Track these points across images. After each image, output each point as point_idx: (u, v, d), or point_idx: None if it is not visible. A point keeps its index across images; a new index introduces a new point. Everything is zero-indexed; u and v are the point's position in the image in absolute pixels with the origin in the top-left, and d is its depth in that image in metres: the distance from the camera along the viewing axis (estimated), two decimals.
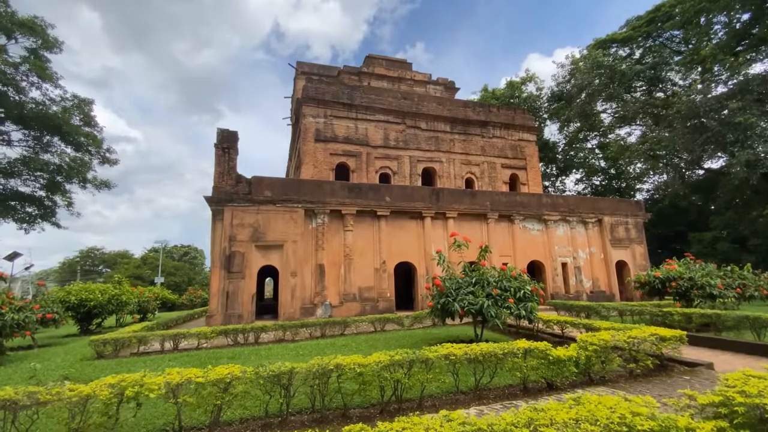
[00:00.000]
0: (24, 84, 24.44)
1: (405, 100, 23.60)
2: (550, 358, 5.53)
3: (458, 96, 31.01)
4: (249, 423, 4.83)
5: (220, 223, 14.68)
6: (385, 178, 22.51)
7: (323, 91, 21.63)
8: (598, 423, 2.69)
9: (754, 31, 25.64)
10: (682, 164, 32.63)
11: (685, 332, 6.69)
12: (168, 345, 10.37)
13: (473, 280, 8.21)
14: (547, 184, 43.12)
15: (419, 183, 22.69)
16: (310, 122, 21.00)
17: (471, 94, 50.70)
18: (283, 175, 37.17)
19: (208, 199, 14.50)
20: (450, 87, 30.15)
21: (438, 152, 23.56)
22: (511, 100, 40.82)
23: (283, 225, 15.30)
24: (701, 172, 32.84)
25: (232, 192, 14.72)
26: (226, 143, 14.85)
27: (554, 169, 43.85)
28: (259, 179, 15.43)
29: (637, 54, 35.31)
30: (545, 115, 41.88)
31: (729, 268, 11.81)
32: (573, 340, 7.47)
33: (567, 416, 2.80)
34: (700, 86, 27.41)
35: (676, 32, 32.59)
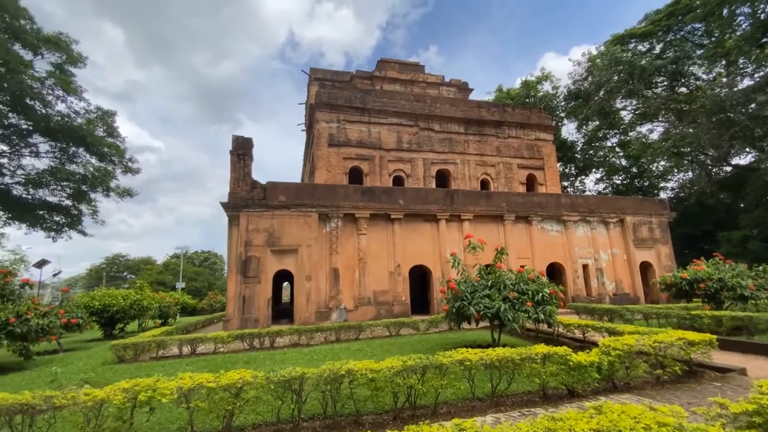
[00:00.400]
0: (50, 98, 25.44)
1: (418, 102, 23.51)
2: (571, 363, 5.30)
3: (472, 97, 30.70)
4: (261, 428, 4.80)
5: (236, 228, 14.87)
6: (398, 181, 22.42)
7: (336, 96, 21.76)
8: None
9: None
10: (708, 161, 31.40)
11: (715, 336, 6.34)
12: (186, 349, 10.51)
13: (489, 283, 8.01)
14: (566, 184, 42.19)
15: (433, 185, 22.50)
16: (323, 127, 21.13)
17: (485, 94, 50.27)
18: (299, 181, 37.56)
19: (224, 204, 14.72)
20: (463, 88, 29.90)
21: (452, 154, 23.34)
22: (527, 100, 40.20)
23: (297, 229, 15.38)
24: (728, 168, 31.52)
25: (247, 198, 14.91)
26: (241, 150, 15.07)
27: (573, 168, 42.89)
28: (273, 185, 15.58)
29: (657, 49, 34.26)
30: (562, 114, 41.06)
31: (761, 268, 11.21)
32: (595, 344, 7.18)
33: (587, 426, 2.64)
34: (725, 80, 26.40)
35: (698, 25, 31.48)
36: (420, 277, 19.75)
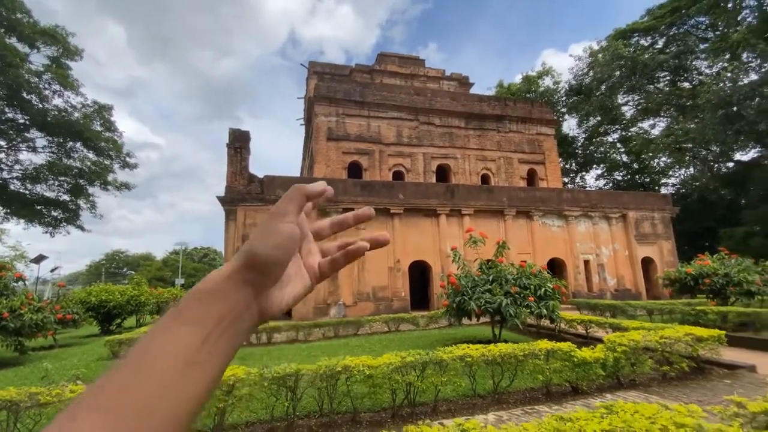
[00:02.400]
0: (47, 92, 25.17)
1: (418, 96, 23.23)
2: (575, 359, 5.13)
3: (473, 91, 30.36)
4: (255, 427, 4.65)
5: (233, 222, 14.66)
6: (398, 175, 22.19)
7: (335, 89, 21.48)
8: None
9: None
10: (711, 156, 31.12)
11: (723, 332, 6.16)
12: None
13: (490, 278, 7.83)
14: (566, 180, 41.92)
15: (433, 180, 22.26)
16: (322, 121, 20.88)
17: (486, 90, 49.88)
18: (298, 175, 37.31)
19: (220, 199, 14.51)
20: (464, 82, 29.61)
21: (452, 148, 23.09)
22: (528, 95, 39.85)
23: None
24: (731, 164, 31.24)
25: (244, 192, 14.70)
26: (238, 143, 14.84)
27: (574, 164, 42.62)
28: (271, 178, 15.36)
29: (660, 43, 33.86)
30: (563, 110, 40.72)
31: (767, 262, 11.02)
32: (599, 340, 7.00)
33: (599, 427, 2.45)
34: (729, 74, 26.06)
35: (702, 18, 31.08)
36: (420, 273, 19.57)
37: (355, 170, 21.67)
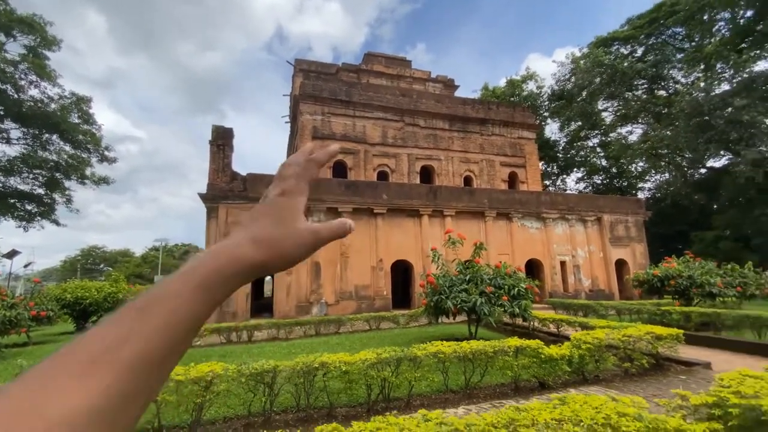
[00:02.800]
0: (23, 82, 24.39)
1: (403, 97, 23.45)
2: (542, 356, 5.40)
3: (458, 94, 30.78)
4: (232, 422, 4.74)
5: (214, 220, 14.57)
6: (383, 175, 22.36)
7: (321, 88, 21.50)
8: (582, 424, 2.57)
9: (758, 28, 25.28)
10: (685, 163, 32.34)
11: (681, 331, 6.55)
12: None
13: (467, 278, 8.08)
14: (548, 183, 42.87)
15: (417, 181, 22.54)
16: (307, 119, 20.87)
17: (471, 92, 50.57)
18: None
19: (202, 196, 14.41)
20: (449, 84, 29.97)
21: (437, 150, 23.40)
22: (512, 99, 40.56)
23: None
24: (703, 170, 32.54)
25: (227, 189, 14.63)
26: (221, 140, 14.76)
27: (555, 167, 43.62)
28: (254, 176, 15.32)
29: (639, 52, 35.03)
30: (546, 114, 41.63)
31: (729, 266, 11.63)
32: (568, 338, 7.33)
33: (550, 416, 2.67)
34: (703, 84, 27.14)
35: (679, 29, 32.27)
36: (402, 272, 19.81)
37: (339, 169, 21.75)
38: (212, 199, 14.47)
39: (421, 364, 5.04)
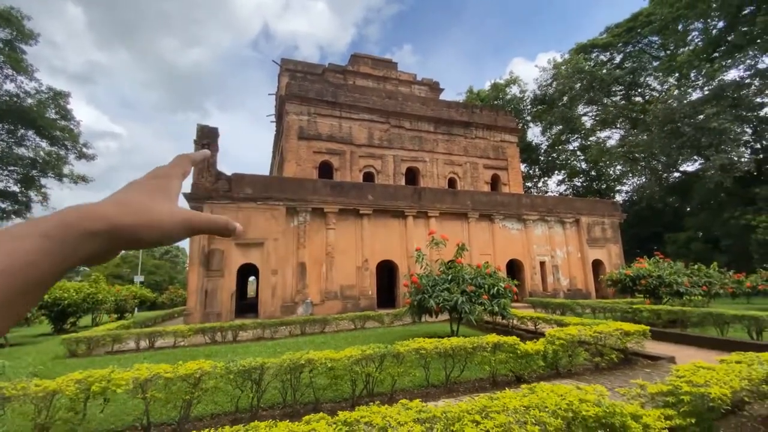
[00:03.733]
0: None
1: (390, 99, 23.70)
2: (519, 352, 5.70)
3: (443, 97, 31.29)
4: (220, 418, 4.86)
5: None
6: (369, 176, 22.56)
7: (307, 88, 21.55)
8: (547, 409, 2.83)
9: (729, 38, 26.46)
10: (659, 167, 33.59)
11: (648, 327, 6.97)
12: (143, 343, 10.24)
13: (449, 277, 8.36)
14: (529, 185, 43.85)
15: (403, 182, 22.82)
16: (293, 120, 20.89)
17: (456, 95, 51.22)
18: (268, 173, 36.84)
19: (186, 196, 14.31)
20: (434, 87, 30.38)
21: (422, 152, 23.74)
22: (496, 102, 41.36)
23: (264, 223, 15.21)
24: (677, 174, 33.85)
25: (211, 189, 14.57)
26: (206, 139, 14.69)
27: (537, 170, 44.64)
28: (239, 176, 15.30)
29: (618, 59, 36.22)
30: (528, 118, 42.59)
31: (696, 266, 12.28)
32: (545, 335, 7.70)
33: (519, 403, 2.93)
34: (676, 92, 28.27)
35: (655, 38, 33.48)
36: (387, 272, 20.05)
37: (326, 170, 21.83)
38: (197, 199, 14.39)
39: (403, 360, 5.26)
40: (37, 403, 4.13)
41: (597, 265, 21.60)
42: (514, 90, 42.99)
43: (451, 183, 24.51)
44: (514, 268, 20.27)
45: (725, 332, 8.73)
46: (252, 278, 31.56)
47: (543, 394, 3.11)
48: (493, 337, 5.74)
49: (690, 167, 32.37)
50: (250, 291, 37.00)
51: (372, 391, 5.19)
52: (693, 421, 3.27)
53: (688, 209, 34.82)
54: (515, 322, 10.25)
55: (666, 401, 3.47)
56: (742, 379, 3.66)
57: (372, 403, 5.16)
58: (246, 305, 20.64)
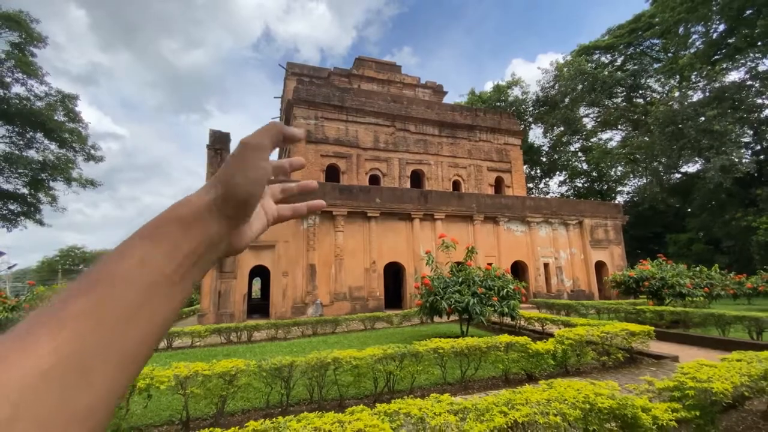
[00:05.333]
0: (8, 79, 24.00)
1: (394, 103, 24.03)
2: (530, 351, 6.00)
3: (446, 98, 31.65)
4: (251, 413, 5.16)
5: None
6: (374, 179, 22.89)
7: (314, 93, 21.89)
8: (566, 401, 3.15)
9: (730, 41, 26.68)
10: (661, 168, 33.83)
11: (653, 328, 7.27)
12: (162, 344, 10.55)
13: (460, 280, 8.67)
14: (531, 185, 44.12)
15: (408, 185, 23.15)
16: (300, 124, 21.23)
17: (458, 96, 51.45)
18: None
19: None
20: (438, 90, 30.70)
21: (426, 155, 24.06)
22: (498, 104, 41.64)
23: (275, 226, 15.49)
24: (678, 175, 34.07)
25: None
26: (218, 144, 15.03)
27: (539, 171, 44.90)
28: None
29: (619, 61, 36.49)
30: (530, 119, 42.85)
31: (698, 268, 12.59)
32: (552, 335, 7.99)
33: (540, 397, 3.25)
34: (677, 94, 28.51)
35: (656, 41, 33.70)
36: (394, 274, 20.36)
37: (332, 173, 22.16)
38: None
39: (422, 359, 5.57)
40: None
41: (600, 266, 21.90)
42: (516, 92, 43.30)
43: (456, 185, 24.83)
44: (518, 269, 20.58)
45: (726, 332, 9.01)
46: (255, 279, 31.85)
47: (561, 389, 3.42)
48: (505, 337, 6.05)
49: (691, 168, 32.62)
50: (254, 291, 37.28)
51: (393, 388, 5.50)
52: (697, 413, 3.59)
53: (690, 210, 34.98)
54: (522, 322, 10.56)
55: (672, 396, 3.77)
56: (742, 375, 3.96)
57: (393, 400, 5.50)
58: (251, 306, 20.90)
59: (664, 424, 3.22)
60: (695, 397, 3.65)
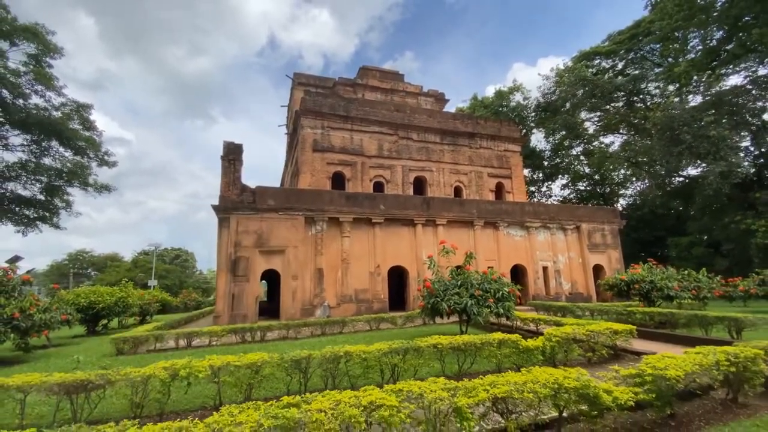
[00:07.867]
0: (27, 90, 25.04)
1: (398, 112, 24.85)
2: (521, 347, 6.70)
3: (449, 103, 32.50)
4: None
5: (226, 229, 15.68)
6: (378, 186, 23.68)
7: (321, 103, 22.76)
8: (539, 382, 3.86)
9: (728, 47, 27.11)
10: (662, 172, 34.23)
11: (634, 327, 7.94)
12: (182, 342, 11.34)
13: (459, 283, 9.37)
14: (533, 189, 44.72)
15: (411, 191, 23.92)
16: (308, 133, 22.09)
17: (460, 102, 52.31)
18: (278, 180, 38.15)
19: (215, 207, 15.49)
20: (440, 99, 31.50)
21: (429, 162, 24.84)
22: (500, 109, 42.35)
23: (285, 231, 16.37)
24: (679, 179, 34.45)
25: (237, 201, 15.74)
26: (232, 155, 15.87)
27: (541, 174, 45.49)
28: (263, 189, 16.49)
29: (620, 65, 37.01)
30: (532, 124, 43.48)
31: (686, 272, 13.20)
32: (544, 334, 8.69)
33: (518, 379, 3.97)
34: (676, 100, 29.04)
35: (656, 46, 34.14)
36: (397, 277, 21.07)
37: (338, 180, 22.99)
38: (224, 210, 15.57)
39: (423, 353, 6.30)
40: (136, 386, 5.20)
41: (598, 269, 22.50)
42: (518, 97, 43.97)
43: (457, 191, 25.57)
44: (518, 273, 21.23)
45: (709, 332, 9.64)
46: (263, 282, 32.64)
47: (536, 373, 4.15)
48: (498, 335, 6.76)
49: (692, 171, 32.92)
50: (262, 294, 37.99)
51: (397, 379, 6.22)
52: (654, 396, 4.30)
53: (691, 213, 35.32)
54: (518, 323, 11.23)
55: (635, 381, 4.48)
56: (694, 364, 4.66)
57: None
58: (259, 309, 21.61)
59: (623, 402, 3.93)
60: (652, 383, 4.36)
